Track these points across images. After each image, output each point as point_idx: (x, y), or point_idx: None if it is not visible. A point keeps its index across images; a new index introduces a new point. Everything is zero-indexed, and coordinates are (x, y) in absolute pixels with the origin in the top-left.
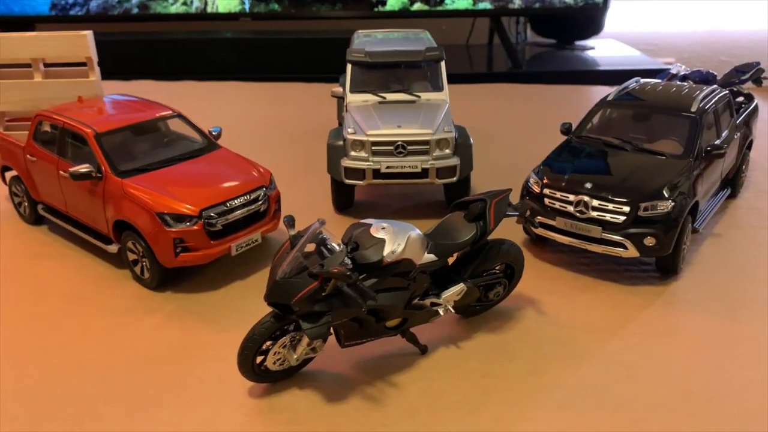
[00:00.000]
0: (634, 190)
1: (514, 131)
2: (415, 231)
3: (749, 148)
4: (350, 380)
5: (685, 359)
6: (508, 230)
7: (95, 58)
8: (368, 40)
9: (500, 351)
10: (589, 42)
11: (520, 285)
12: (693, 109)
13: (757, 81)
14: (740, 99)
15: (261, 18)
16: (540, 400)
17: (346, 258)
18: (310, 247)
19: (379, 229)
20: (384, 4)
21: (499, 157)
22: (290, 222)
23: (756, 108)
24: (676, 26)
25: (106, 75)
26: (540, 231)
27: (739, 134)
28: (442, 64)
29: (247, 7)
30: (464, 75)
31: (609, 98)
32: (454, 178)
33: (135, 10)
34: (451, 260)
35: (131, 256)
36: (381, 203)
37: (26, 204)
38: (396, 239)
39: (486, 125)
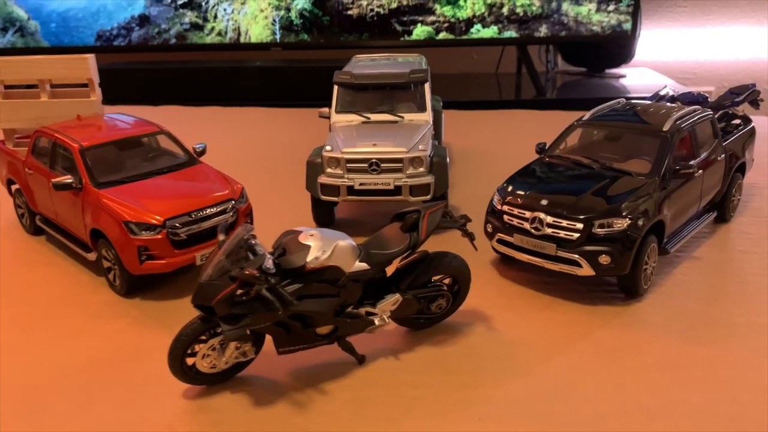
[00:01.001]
0: (589, 207)
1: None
2: (345, 239)
3: (741, 171)
4: (282, 386)
5: (625, 379)
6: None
7: (96, 80)
8: (360, 64)
9: (438, 364)
10: (620, 70)
11: (477, 301)
12: (665, 129)
13: (754, 103)
14: (737, 121)
15: (291, 47)
16: (464, 412)
17: (267, 262)
18: (242, 255)
19: (308, 236)
20: (410, 33)
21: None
22: (223, 228)
23: (752, 131)
24: (717, 54)
25: (136, 101)
26: (500, 248)
27: (723, 157)
28: (426, 85)
29: (278, 37)
30: (492, 102)
31: (584, 118)
32: (428, 196)
33: (173, 41)
34: (391, 271)
35: (106, 264)
36: (362, 221)
37: (27, 215)
38: (322, 246)
39: (502, 149)
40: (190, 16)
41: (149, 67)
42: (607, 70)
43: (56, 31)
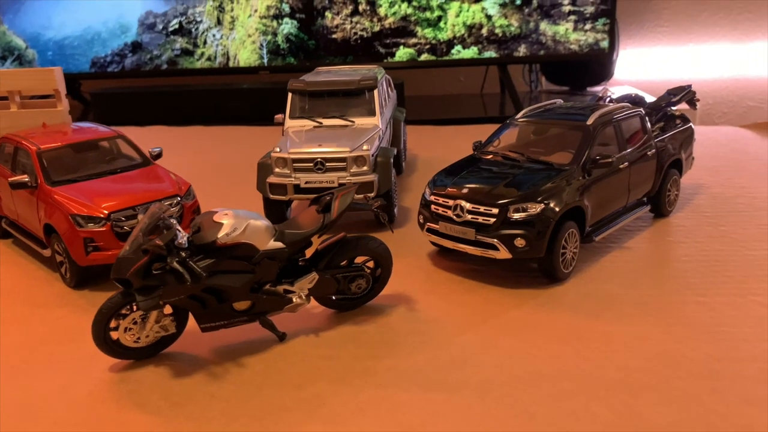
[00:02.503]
0: (505, 193)
1: None
2: (259, 219)
3: (677, 168)
4: (202, 360)
5: (524, 349)
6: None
7: (63, 91)
8: (320, 74)
9: (352, 339)
10: (600, 88)
11: (403, 286)
12: (588, 122)
13: (691, 103)
14: (677, 122)
15: (278, 71)
16: (366, 379)
17: (181, 238)
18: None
19: (222, 215)
20: (393, 55)
21: None
22: (142, 210)
23: (689, 130)
24: (700, 73)
25: (127, 123)
26: (430, 237)
27: (653, 152)
28: (375, 92)
29: (265, 60)
30: (477, 118)
31: (518, 116)
32: (372, 194)
33: (164, 66)
34: (310, 253)
35: (58, 258)
36: None
37: None
38: (235, 225)
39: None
40: (180, 42)
41: (140, 91)
42: (589, 88)
43: (53, 59)
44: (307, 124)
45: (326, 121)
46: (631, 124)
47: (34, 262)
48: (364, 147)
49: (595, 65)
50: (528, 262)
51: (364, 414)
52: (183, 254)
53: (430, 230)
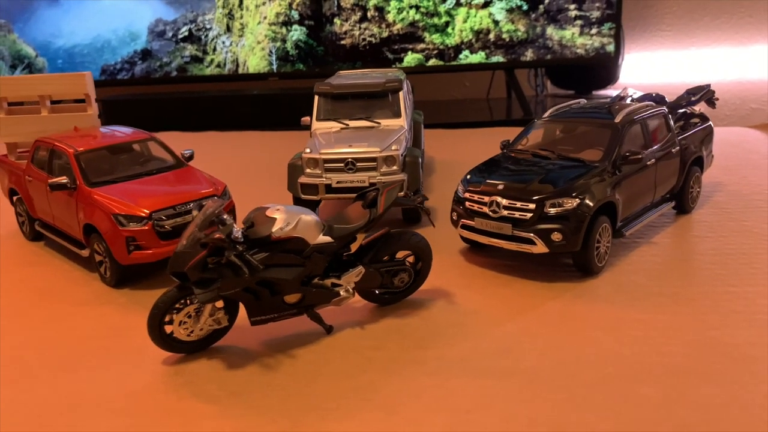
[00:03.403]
0: (541, 189)
1: None
2: (309, 214)
3: (699, 165)
4: (253, 353)
5: (566, 338)
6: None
7: (93, 95)
8: (342, 77)
9: (397, 331)
10: (607, 92)
11: (441, 280)
12: (616, 120)
13: (710, 102)
14: (695, 120)
15: (287, 77)
16: (415, 368)
17: (237, 232)
18: (213, 228)
19: (275, 210)
20: (401, 61)
21: None
22: (197, 206)
23: (709, 128)
24: (702, 76)
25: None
26: (463, 232)
27: (677, 150)
28: (401, 94)
29: (274, 67)
30: (484, 122)
31: (545, 115)
32: (401, 193)
33: (174, 73)
34: (355, 248)
35: (97, 258)
36: None
37: (27, 222)
38: (287, 219)
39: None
40: (190, 50)
41: (150, 98)
42: (594, 92)
43: (63, 67)
44: (334, 125)
45: (352, 123)
46: (655, 122)
47: (69, 263)
48: (393, 147)
49: (600, 69)
50: (562, 256)
51: (419, 400)
52: (240, 248)
53: (464, 227)
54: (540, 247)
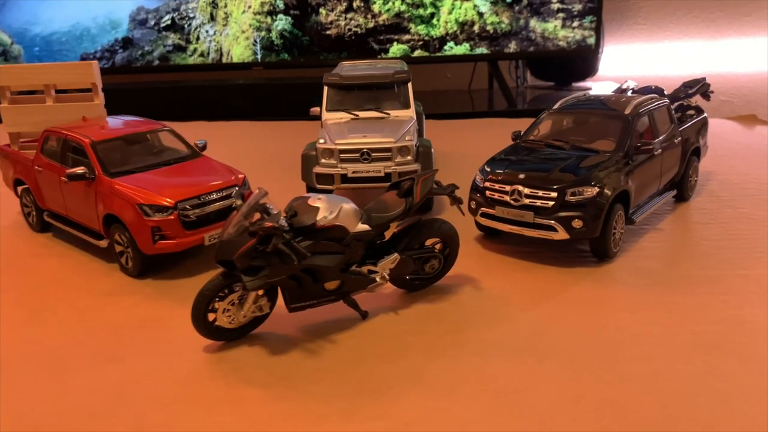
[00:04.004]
0: (562, 178)
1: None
2: (349, 203)
3: (696, 155)
4: (293, 339)
5: (595, 320)
6: (465, 225)
7: (100, 84)
8: (347, 68)
9: (431, 316)
10: (586, 83)
11: (463, 267)
12: (626, 112)
13: (705, 95)
14: (691, 112)
15: (272, 67)
16: (457, 350)
17: (282, 221)
18: (256, 217)
19: (316, 200)
20: (387, 51)
21: None
22: (239, 195)
23: (704, 120)
24: (675, 69)
25: None
26: (483, 220)
27: (679, 140)
28: (409, 85)
29: (259, 57)
30: (466, 113)
31: (554, 107)
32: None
33: (156, 62)
34: (388, 235)
35: (118, 248)
36: None
37: (34, 213)
38: (329, 208)
39: (476, 150)
40: (173, 38)
41: (132, 87)
42: (574, 84)
43: (40, 55)
44: (344, 116)
45: (362, 114)
46: (661, 113)
47: (84, 254)
48: (407, 137)
49: (580, 61)
50: (576, 242)
51: (466, 382)
52: (287, 236)
53: (484, 215)
54: (561, 234)
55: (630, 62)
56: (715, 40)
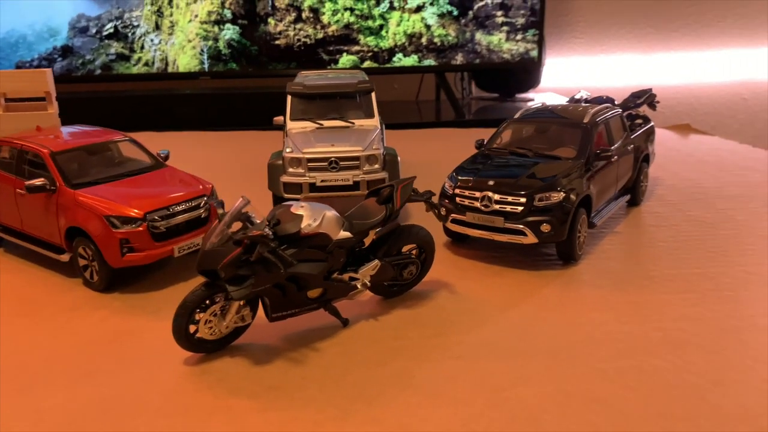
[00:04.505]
0: (530, 184)
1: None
2: (331, 210)
3: (646, 161)
4: (276, 348)
5: (571, 320)
6: (434, 231)
7: (54, 93)
8: (309, 78)
9: (412, 321)
10: (529, 95)
11: (437, 273)
12: (585, 121)
13: (651, 105)
14: (639, 121)
15: (220, 76)
16: (442, 353)
17: (266, 229)
18: (238, 226)
19: (299, 207)
20: (336, 62)
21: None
22: (219, 204)
23: (652, 128)
24: (611, 81)
25: None
26: (453, 227)
27: (632, 147)
28: (373, 95)
29: (206, 66)
30: (414, 123)
31: (515, 117)
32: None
33: (98, 71)
34: (368, 242)
35: (82, 262)
36: None
37: None
38: (313, 215)
39: (429, 157)
40: (116, 47)
41: (71, 97)
42: (518, 95)
43: None
44: (308, 125)
45: (327, 123)
46: (615, 122)
47: (42, 269)
48: (374, 146)
49: (523, 73)
50: (541, 247)
51: (456, 382)
52: (272, 244)
53: (454, 221)
54: (530, 238)
55: (569, 74)
56: (647, 54)
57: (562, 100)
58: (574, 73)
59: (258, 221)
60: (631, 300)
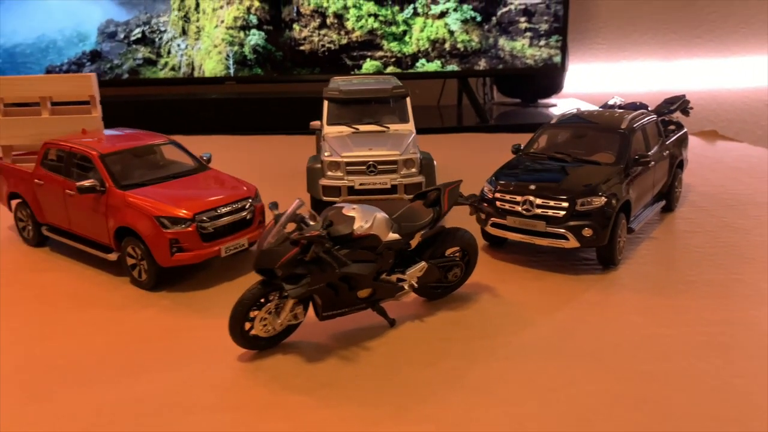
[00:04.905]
0: (571, 188)
1: (478, 166)
2: (381, 212)
3: (680, 167)
4: (327, 346)
5: (612, 323)
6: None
7: (98, 97)
8: (342, 83)
9: (458, 322)
10: (551, 100)
11: (478, 276)
12: (623, 126)
13: (684, 111)
14: (672, 127)
15: (245, 81)
16: (490, 354)
17: (321, 230)
18: (292, 226)
19: (350, 209)
20: (360, 68)
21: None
22: (274, 205)
23: (685, 135)
24: (632, 87)
25: None
26: (494, 230)
27: (668, 153)
28: (408, 99)
29: (232, 71)
30: (436, 128)
31: (552, 122)
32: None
33: (125, 76)
34: (414, 244)
35: (130, 261)
36: None
37: (30, 227)
38: (365, 217)
39: (454, 162)
40: (143, 52)
41: (103, 101)
42: (540, 101)
43: (2, 67)
44: (345, 129)
45: (362, 127)
46: (651, 128)
47: (89, 268)
48: (411, 150)
49: (545, 79)
50: (579, 251)
51: (506, 383)
52: (328, 245)
53: (494, 225)
54: (572, 242)
55: (590, 80)
56: (669, 61)
57: (588, 107)
58: (596, 79)
59: (312, 222)
60: (670, 304)
